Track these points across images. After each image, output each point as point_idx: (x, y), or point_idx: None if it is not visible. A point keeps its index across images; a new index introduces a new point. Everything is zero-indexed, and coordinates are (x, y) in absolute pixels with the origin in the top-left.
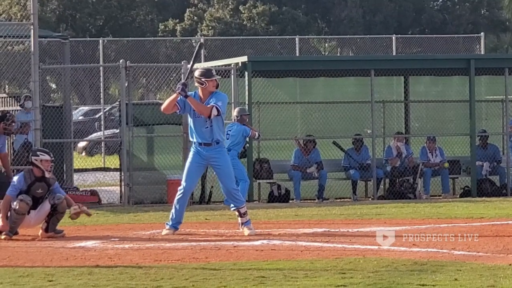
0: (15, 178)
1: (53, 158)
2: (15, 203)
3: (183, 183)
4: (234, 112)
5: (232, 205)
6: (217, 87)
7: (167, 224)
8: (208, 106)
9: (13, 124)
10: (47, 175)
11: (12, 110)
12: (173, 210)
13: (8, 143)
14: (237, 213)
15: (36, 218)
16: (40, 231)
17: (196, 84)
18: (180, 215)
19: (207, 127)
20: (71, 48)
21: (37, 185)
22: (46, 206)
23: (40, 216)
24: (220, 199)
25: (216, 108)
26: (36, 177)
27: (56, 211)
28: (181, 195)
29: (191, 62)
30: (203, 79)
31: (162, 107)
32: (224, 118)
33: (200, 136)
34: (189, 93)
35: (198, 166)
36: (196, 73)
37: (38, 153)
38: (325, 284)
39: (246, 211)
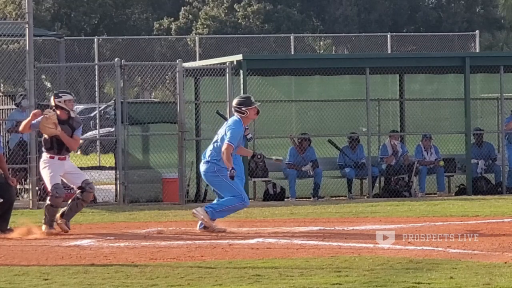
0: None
1: (75, 98)
2: (52, 195)
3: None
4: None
5: None
6: (258, 113)
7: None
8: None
9: None
10: (72, 114)
11: (8, 109)
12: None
13: (3, 142)
14: None
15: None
16: (43, 226)
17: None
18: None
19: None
20: (66, 46)
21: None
22: (77, 179)
23: (71, 176)
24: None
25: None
26: (60, 120)
27: (82, 195)
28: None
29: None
30: (243, 108)
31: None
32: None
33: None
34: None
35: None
36: (235, 102)
37: (60, 94)
38: (320, 282)
39: None
